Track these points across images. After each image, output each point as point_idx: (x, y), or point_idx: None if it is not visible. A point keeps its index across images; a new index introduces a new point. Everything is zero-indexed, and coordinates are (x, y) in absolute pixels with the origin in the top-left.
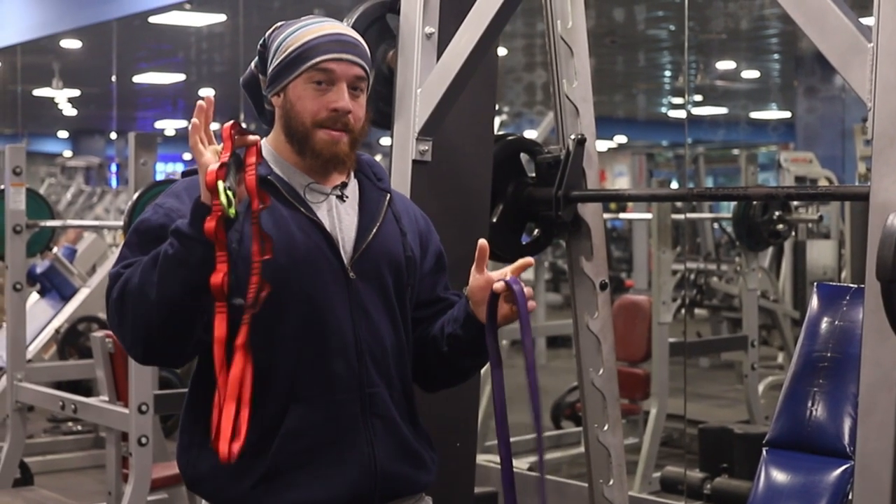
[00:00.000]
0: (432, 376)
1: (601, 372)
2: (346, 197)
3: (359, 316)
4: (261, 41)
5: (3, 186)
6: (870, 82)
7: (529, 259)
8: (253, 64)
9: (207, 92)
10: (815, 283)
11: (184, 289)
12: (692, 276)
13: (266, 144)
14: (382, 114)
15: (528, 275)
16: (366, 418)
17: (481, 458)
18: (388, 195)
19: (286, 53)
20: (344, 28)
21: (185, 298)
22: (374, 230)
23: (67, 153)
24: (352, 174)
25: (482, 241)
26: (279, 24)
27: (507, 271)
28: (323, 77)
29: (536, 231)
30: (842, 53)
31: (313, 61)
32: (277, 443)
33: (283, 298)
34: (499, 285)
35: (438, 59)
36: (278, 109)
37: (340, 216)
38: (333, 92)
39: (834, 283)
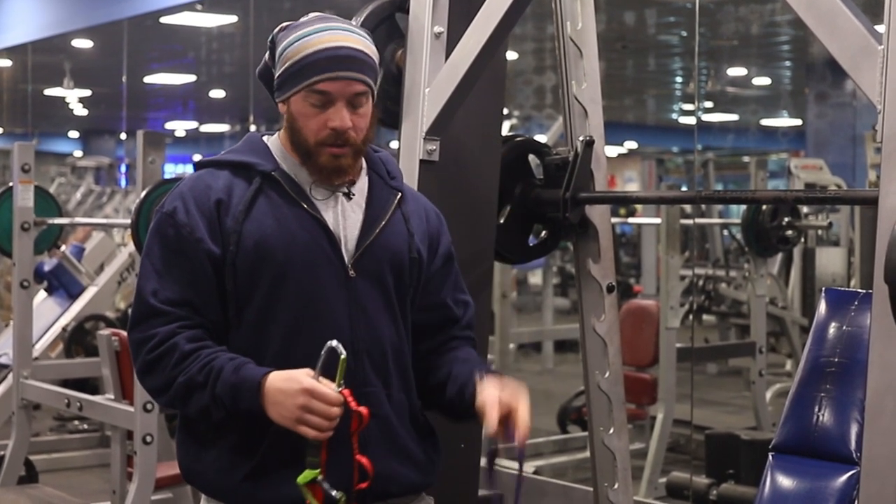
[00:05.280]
0: (431, 406)
1: (607, 375)
2: (353, 195)
3: (357, 314)
4: (270, 37)
5: (11, 184)
6: (880, 85)
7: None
8: (267, 55)
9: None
10: (824, 289)
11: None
12: (700, 282)
13: (276, 140)
14: (390, 113)
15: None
16: None
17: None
18: (400, 194)
19: (287, 65)
20: (347, 37)
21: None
22: (378, 229)
23: (78, 153)
24: (363, 172)
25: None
26: (287, 24)
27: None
28: (318, 100)
29: (544, 233)
30: (852, 56)
31: (308, 82)
32: (268, 439)
33: (280, 295)
34: (491, 432)
35: (447, 58)
36: (284, 115)
37: (346, 214)
38: (332, 110)
39: (842, 289)
